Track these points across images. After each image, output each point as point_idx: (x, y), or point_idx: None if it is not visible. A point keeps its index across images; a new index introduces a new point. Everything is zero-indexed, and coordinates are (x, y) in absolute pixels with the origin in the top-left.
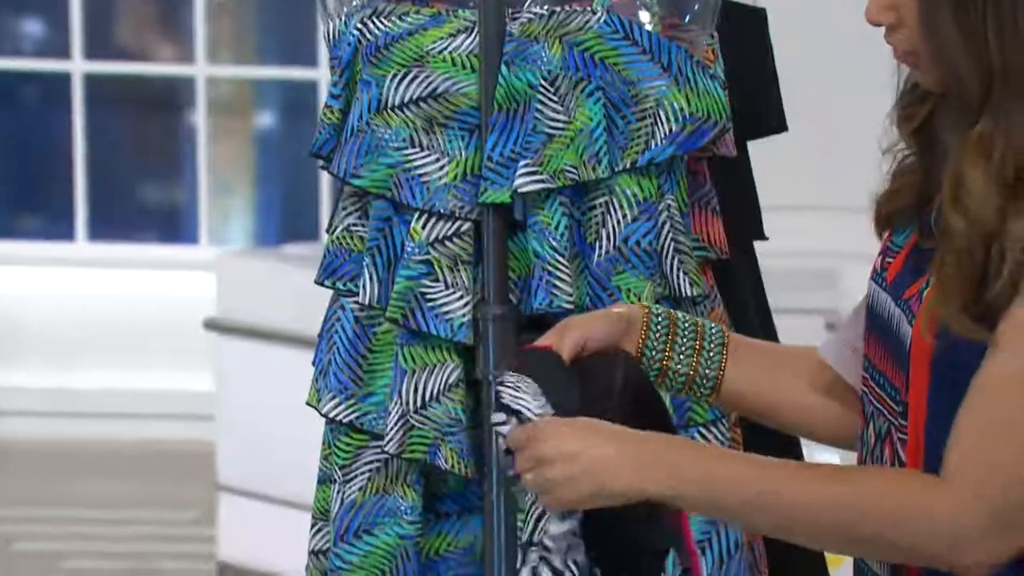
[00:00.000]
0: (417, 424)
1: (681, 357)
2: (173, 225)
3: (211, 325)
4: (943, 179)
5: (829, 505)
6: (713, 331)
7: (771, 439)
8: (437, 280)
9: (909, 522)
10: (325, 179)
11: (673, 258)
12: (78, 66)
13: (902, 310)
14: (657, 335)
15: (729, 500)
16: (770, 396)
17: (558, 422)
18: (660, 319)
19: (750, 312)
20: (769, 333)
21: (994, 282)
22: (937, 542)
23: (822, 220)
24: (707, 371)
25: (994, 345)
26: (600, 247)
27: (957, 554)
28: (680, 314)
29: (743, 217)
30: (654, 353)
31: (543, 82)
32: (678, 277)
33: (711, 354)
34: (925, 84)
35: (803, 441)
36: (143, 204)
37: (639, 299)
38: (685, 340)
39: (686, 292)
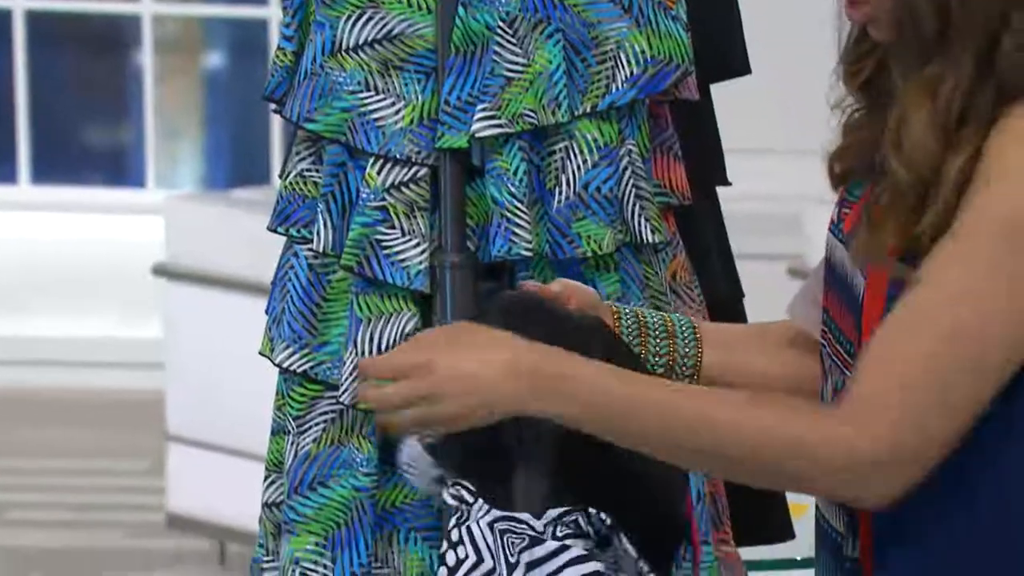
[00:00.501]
0: None
1: (658, 346)
2: (119, 168)
3: (159, 271)
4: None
5: (732, 432)
6: (683, 325)
7: None
8: (393, 227)
9: (805, 455)
10: (276, 122)
11: (634, 204)
12: (20, 3)
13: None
14: (629, 326)
15: (619, 414)
16: (746, 374)
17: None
18: (628, 318)
19: (712, 258)
20: (732, 280)
21: (924, 221)
22: (834, 473)
23: (786, 164)
24: (685, 356)
25: (915, 280)
26: (560, 193)
27: (855, 487)
28: (645, 311)
29: (706, 162)
30: (630, 342)
31: (501, 23)
32: (639, 223)
33: (686, 349)
34: (878, 33)
35: None
36: (88, 146)
37: (600, 246)
38: (658, 337)
39: (647, 239)
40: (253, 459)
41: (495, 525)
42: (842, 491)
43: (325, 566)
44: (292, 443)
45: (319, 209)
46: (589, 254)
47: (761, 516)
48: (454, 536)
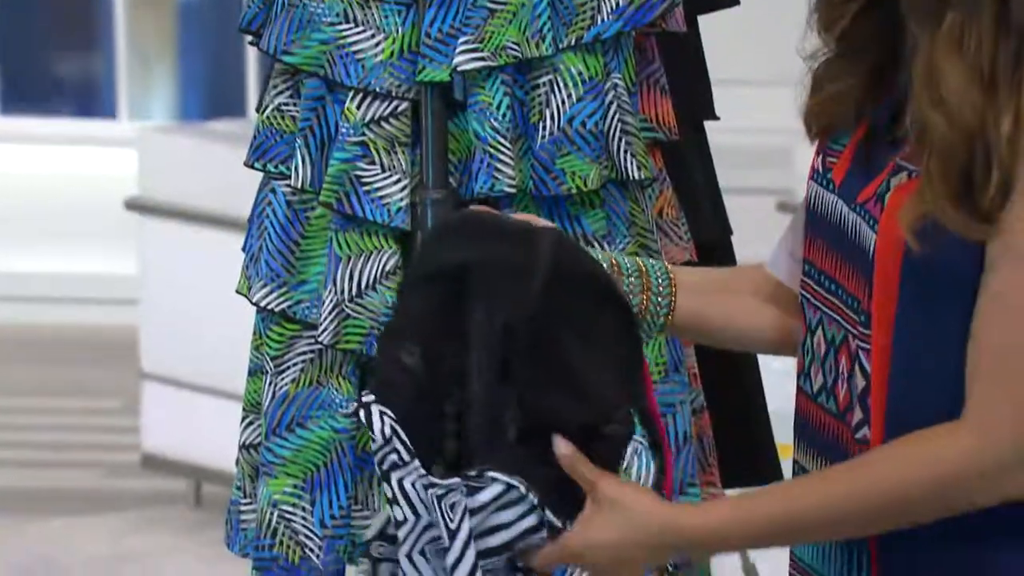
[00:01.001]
0: (352, 313)
1: (631, 285)
2: (91, 99)
3: (132, 205)
4: (911, 75)
5: (864, 506)
6: (657, 270)
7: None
8: (373, 163)
9: (946, 485)
10: (252, 52)
11: (620, 139)
12: None
13: (859, 215)
14: None
15: (771, 540)
16: (718, 321)
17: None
18: (602, 258)
19: (700, 195)
20: (720, 216)
21: (984, 182)
22: (971, 488)
23: (775, 96)
24: (659, 296)
25: (1006, 250)
26: (544, 128)
27: (988, 494)
28: (618, 256)
29: (693, 96)
30: None
31: None
32: (625, 159)
33: (659, 296)
34: None
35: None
36: (58, 77)
37: (585, 183)
38: (630, 271)
39: (633, 175)
40: (230, 398)
41: (429, 490)
42: (984, 500)
43: (304, 509)
44: (270, 384)
45: (297, 144)
46: (574, 191)
47: (748, 457)
48: (387, 491)
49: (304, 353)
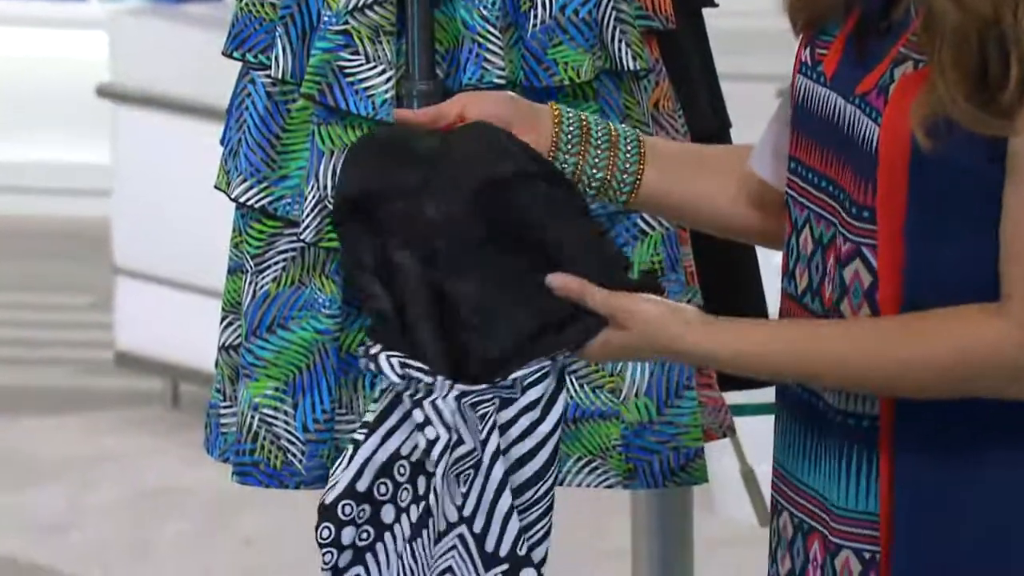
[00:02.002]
0: None
1: (597, 157)
2: None
3: (104, 92)
4: None
5: (897, 366)
6: (627, 133)
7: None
8: (357, 53)
9: (974, 363)
10: None
11: (614, 28)
12: None
13: (858, 107)
14: (570, 132)
15: (790, 371)
16: (690, 199)
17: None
18: (570, 116)
19: (697, 86)
20: (718, 108)
21: (1000, 76)
22: (1001, 375)
23: None
24: (624, 172)
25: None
26: (535, 17)
27: (1018, 384)
28: (592, 118)
29: None
30: (567, 154)
31: None
32: (620, 49)
33: (628, 155)
34: None
35: None
36: None
37: (578, 74)
38: (600, 140)
39: (628, 65)
40: (207, 295)
41: (463, 400)
42: (1013, 391)
43: (286, 412)
44: (250, 283)
45: (277, 33)
46: (566, 82)
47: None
48: (417, 417)
49: (285, 251)
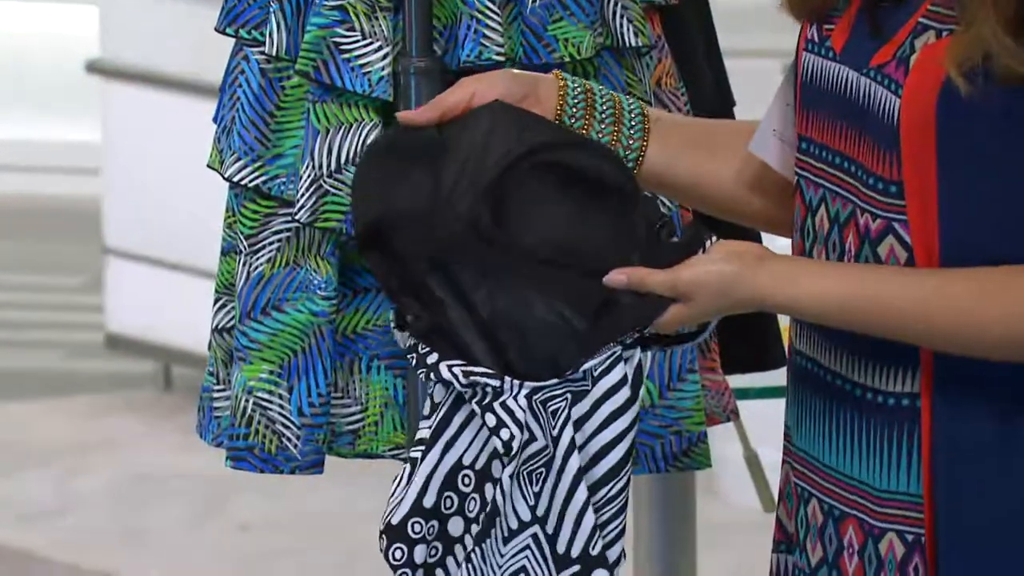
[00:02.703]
0: (331, 189)
1: (602, 128)
2: None
3: (94, 68)
4: None
5: (951, 321)
6: (632, 111)
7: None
8: (353, 29)
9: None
10: None
11: (615, 4)
12: None
13: (873, 79)
14: (576, 102)
15: (845, 318)
16: (695, 176)
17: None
18: (576, 85)
19: (701, 62)
20: (722, 86)
21: None
22: None
23: None
24: (629, 144)
25: None
26: None
27: None
28: (597, 88)
29: None
30: (572, 122)
31: None
32: (621, 25)
33: (632, 127)
34: None
35: None
36: None
37: (578, 51)
38: (604, 110)
39: (630, 42)
40: (200, 276)
41: (534, 397)
42: None
43: (281, 396)
44: (244, 264)
45: (272, 8)
46: (567, 59)
47: (751, 343)
48: (490, 421)
49: (280, 232)
